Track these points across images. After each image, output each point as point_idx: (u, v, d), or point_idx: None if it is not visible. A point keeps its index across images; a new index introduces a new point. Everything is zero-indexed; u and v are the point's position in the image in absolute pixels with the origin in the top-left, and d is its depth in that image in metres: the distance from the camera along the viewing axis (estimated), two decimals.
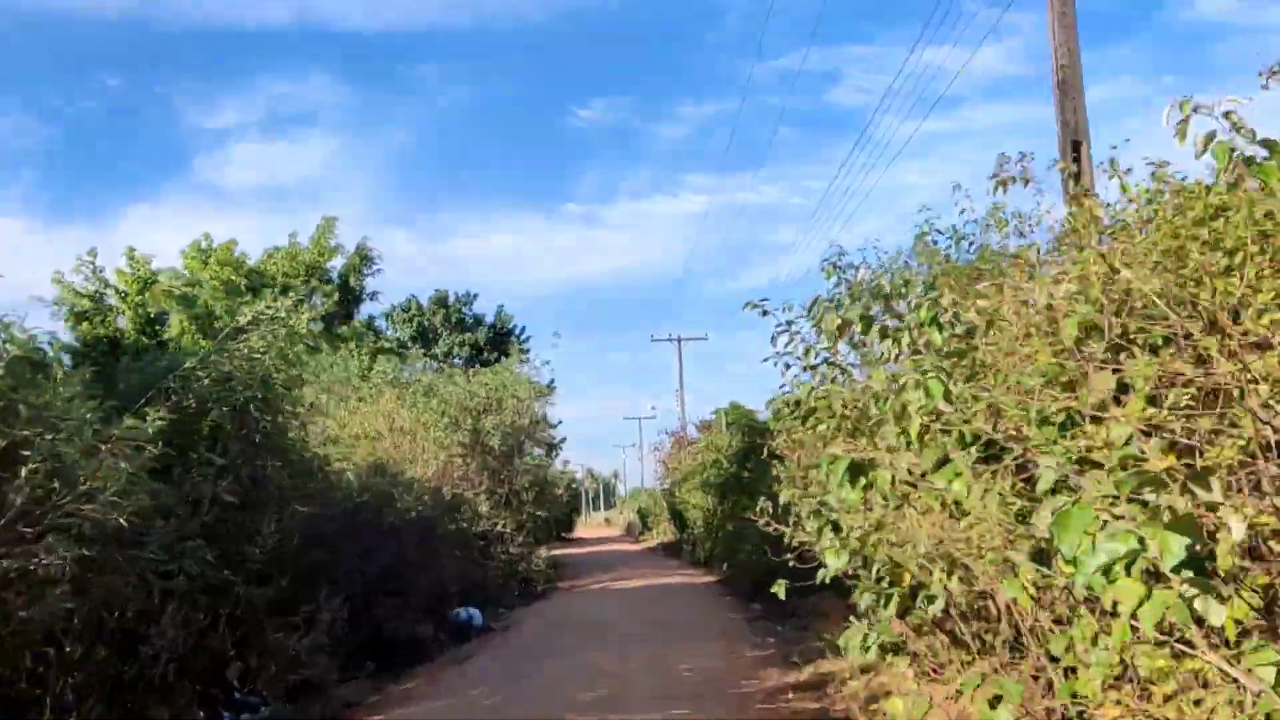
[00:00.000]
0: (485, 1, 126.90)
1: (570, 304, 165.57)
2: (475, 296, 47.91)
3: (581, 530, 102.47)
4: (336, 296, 30.00)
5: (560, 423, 49.11)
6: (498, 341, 47.94)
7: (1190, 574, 2.89)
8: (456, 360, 45.98)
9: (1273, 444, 3.39)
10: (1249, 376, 3.42)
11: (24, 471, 6.22)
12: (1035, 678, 4.78)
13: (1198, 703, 3.53)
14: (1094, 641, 3.91)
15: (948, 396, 4.26)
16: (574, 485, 67.03)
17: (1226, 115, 3.80)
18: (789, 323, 7.34)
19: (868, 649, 5.81)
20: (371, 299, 31.53)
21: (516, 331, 48.95)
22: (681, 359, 49.43)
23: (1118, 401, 3.75)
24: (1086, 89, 9.04)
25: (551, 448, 50.38)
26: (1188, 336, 3.86)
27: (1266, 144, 3.89)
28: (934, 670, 5.86)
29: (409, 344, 45.50)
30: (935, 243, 7.38)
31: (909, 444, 4.58)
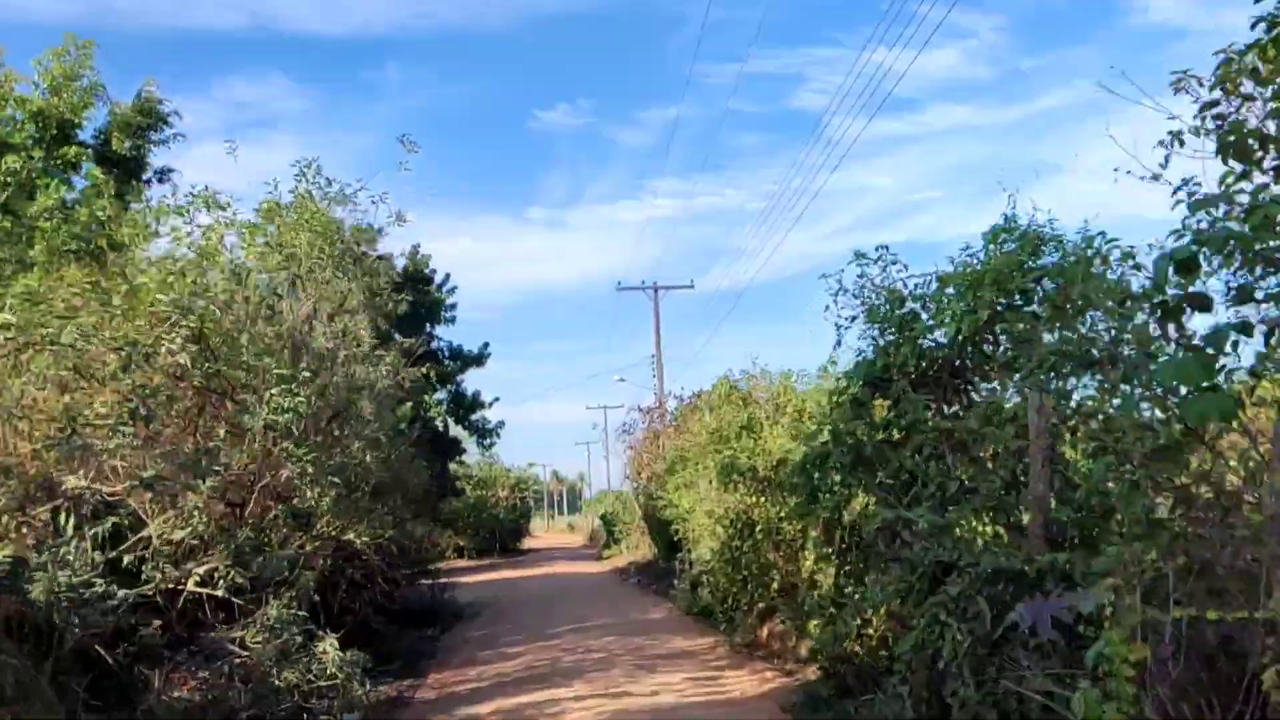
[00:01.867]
0: (446, 7, 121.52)
1: (536, 309, 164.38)
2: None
3: (542, 537, 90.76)
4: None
5: (497, 402, 36.80)
6: (412, 286, 35.41)
7: None
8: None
9: None
10: None
11: None
12: None
13: None
14: None
15: None
16: (526, 486, 54.34)
17: None
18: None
19: None
20: (162, 179, 18.96)
21: (433, 275, 36.48)
22: (659, 313, 37.28)
23: None
24: None
25: (483, 433, 38.13)
26: None
27: None
28: None
29: None
30: None
31: None
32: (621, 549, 37.05)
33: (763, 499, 11.48)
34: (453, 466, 40.55)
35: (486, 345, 37.40)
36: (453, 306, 37.04)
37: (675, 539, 21.50)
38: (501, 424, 37.56)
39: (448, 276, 37.10)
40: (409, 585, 18.05)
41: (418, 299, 34.95)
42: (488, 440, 37.09)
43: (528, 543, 74.15)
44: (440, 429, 36.30)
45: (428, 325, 36.82)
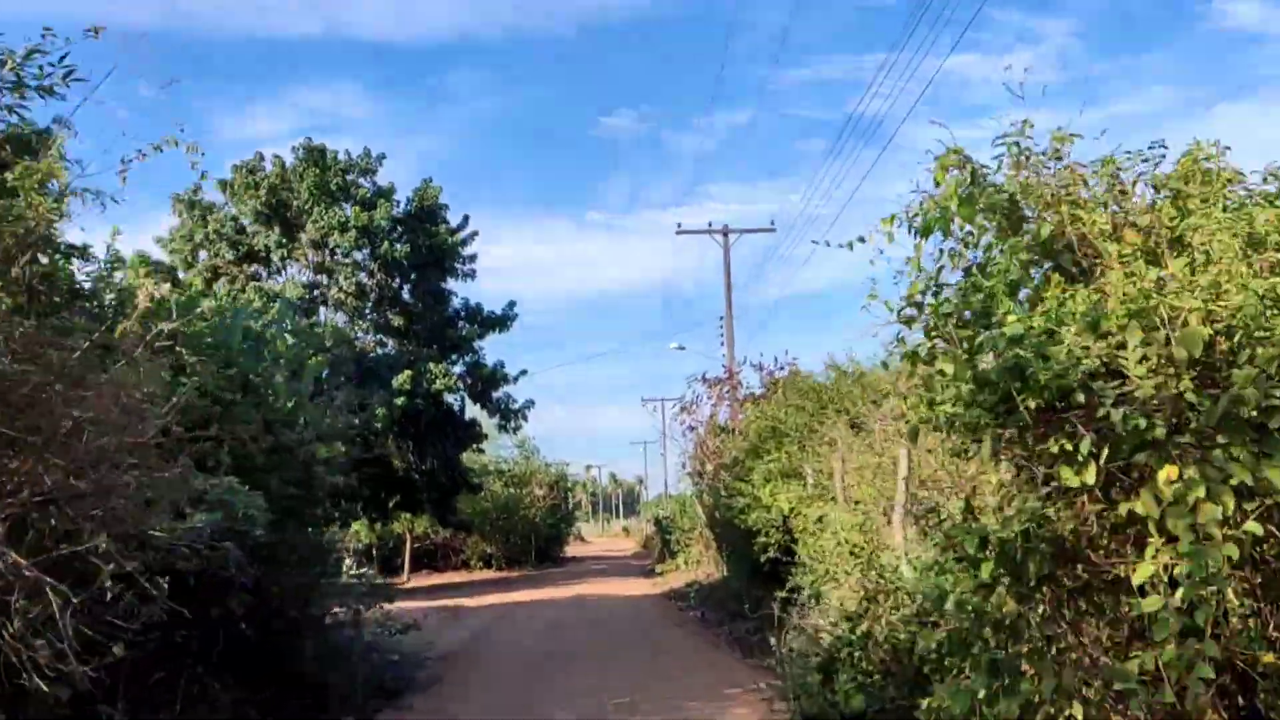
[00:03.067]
0: (515, 13, 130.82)
1: (594, 313, 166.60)
2: (382, 159, 28.02)
3: (594, 542, 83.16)
4: None
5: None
6: (417, 224, 28.06)
7: None
8: (340, 252, 26.13)
9: None
10: None
11: None
12: None
13: None
14: None
15: None
16: (564, 483, 46.65)
17: None
18: None
19: None
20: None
21: (447, 215, 28.95)
22: (729, 263, 29.28)
23: None
24: None
25: (506, 414, 30.61)
26: None
27: None
28: None
29: (257, 218, 25.72)
30: None
31: None
32: (679, 563, 29.16)
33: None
34: (470, 457, 33.11)
35: (513, 305, 29.94)
36: (472, 258, 29.68)
37: (761, 557, 13.63)
38: (529, 404, 29.91)
39: (466, 220, 29.65)
40: (312, 624, 10.53)
41: (423, 241, 27.57)
42: (512, 423, 29.46)
43: (574, 549, 66.63)
44: (453, 408, 28.85)
45: (444, 280, 29.46)
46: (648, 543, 57.05)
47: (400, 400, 25.73)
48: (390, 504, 29.75)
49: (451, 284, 29.66)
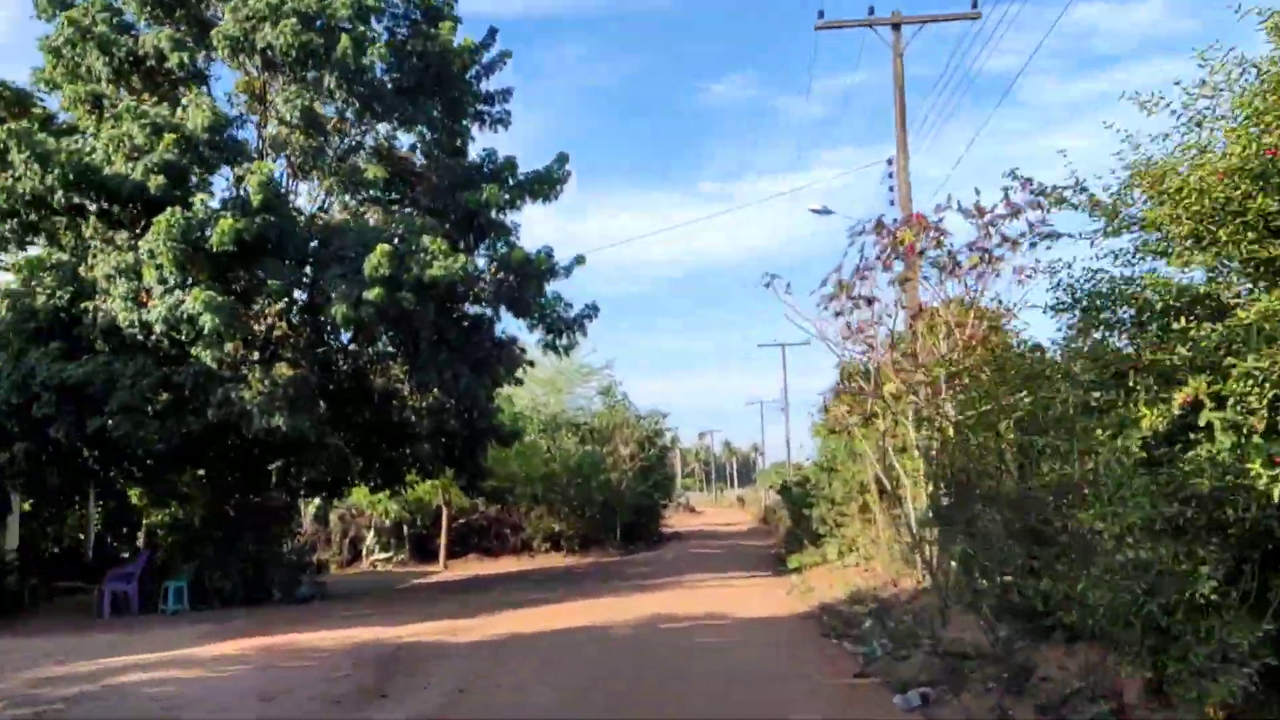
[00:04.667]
0: None
1: (701, 281, 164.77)
2: None
3: (705, 513, 73.15)
4: None
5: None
6: (410, 25, 18.08)
7: None
8: (278, 58, 16.33)
9: None
10: None
11: None
12: None
13: None
14: None
15: None
16: (659, 437, 36.16)
17: None
18: None
19: None
20: None
21: (456, 15, 18.71)
22: (901, 67, 18.15)
23: None
24: None
25: (554, 326, 20.24)
26: None
27: None
28: None
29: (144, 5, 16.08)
30: None
31: None
32: (826, 555, 18.48)
33: None
34: (507, 393, 23.14)
35: (565, 161, 19.57)
36: (502, 96, 19.69)
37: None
38: (590, 312, 19.64)
39: (493, 35, 19.42)
40: None
41: (417, 47, 17.50)
42: (563, 340, 19.25)
43: (679, 520, 56.53)
44: (469, 317, 18.93)
45: (453, 118, 19.47)
46: (767, 516, 46.51)
47: (374, 293, 15.87)
48: (403, 465, 20.06)
49: (471, 132, 19.60)
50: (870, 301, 12.74)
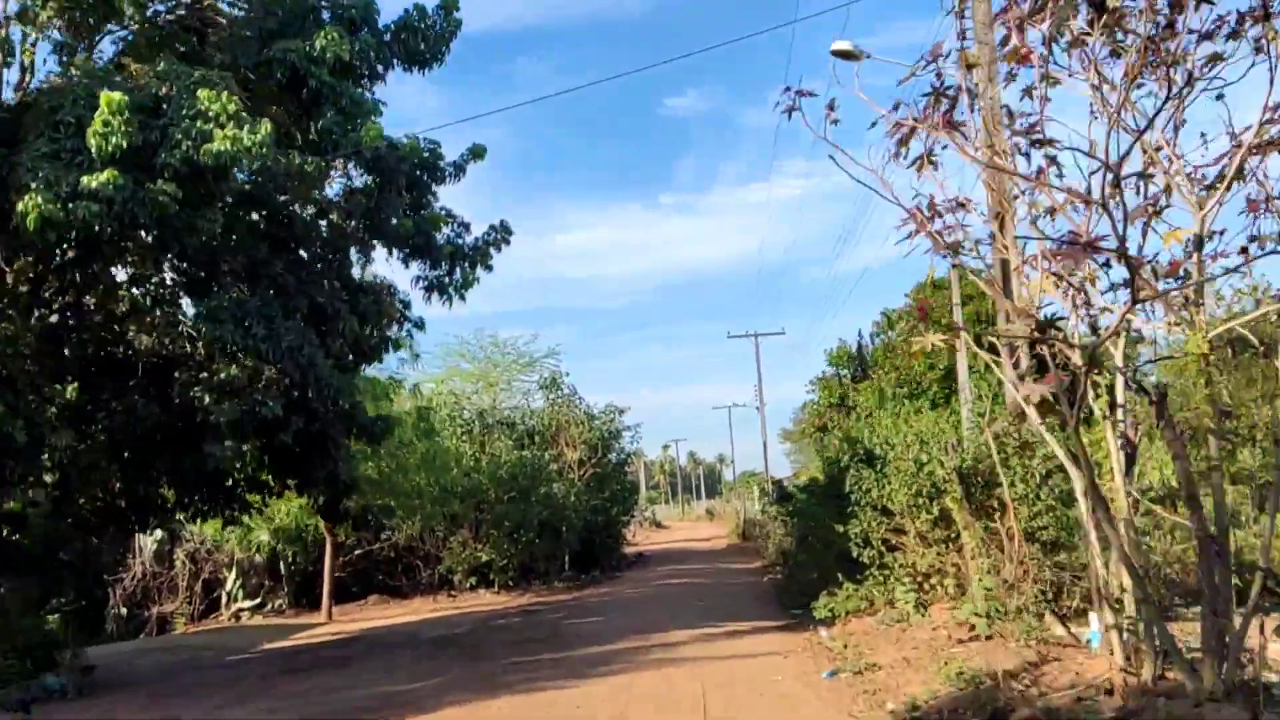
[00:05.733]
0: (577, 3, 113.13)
1: (672, 294, 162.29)
2: None
3: (673, 527, 66.45)
4: None
5: None
6: None
7: None
8: None
9: None
10: None
11: None
12: None
13: None
14: None
15: None
16: (617, 438, 29.15)
17: None
18: None
19: None
20: None
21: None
22: None
23: None
24: None
25: (435, 257, 13.14)
26: None
27: None
28: None
29: None
30: None
31: None
32: (875, 598, 11.67)
33: None
34: (372, 373, 16.41)
35: (454, 5, 12.68)
36: None
37: None
38: (502, 234, 12.80)
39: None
40: None
41: None
42: (452, 280, 12.42)
43: (646, 538, 49.73)
44: (311, 240, 11.95)
45: None
46: (747, 531, 39.75)
47: (103, 178, 9.05)
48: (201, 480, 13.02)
49: None
50: (1012, 116, 6.26)
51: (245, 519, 15.76)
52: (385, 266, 14.37)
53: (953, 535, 10.67)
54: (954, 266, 7.44)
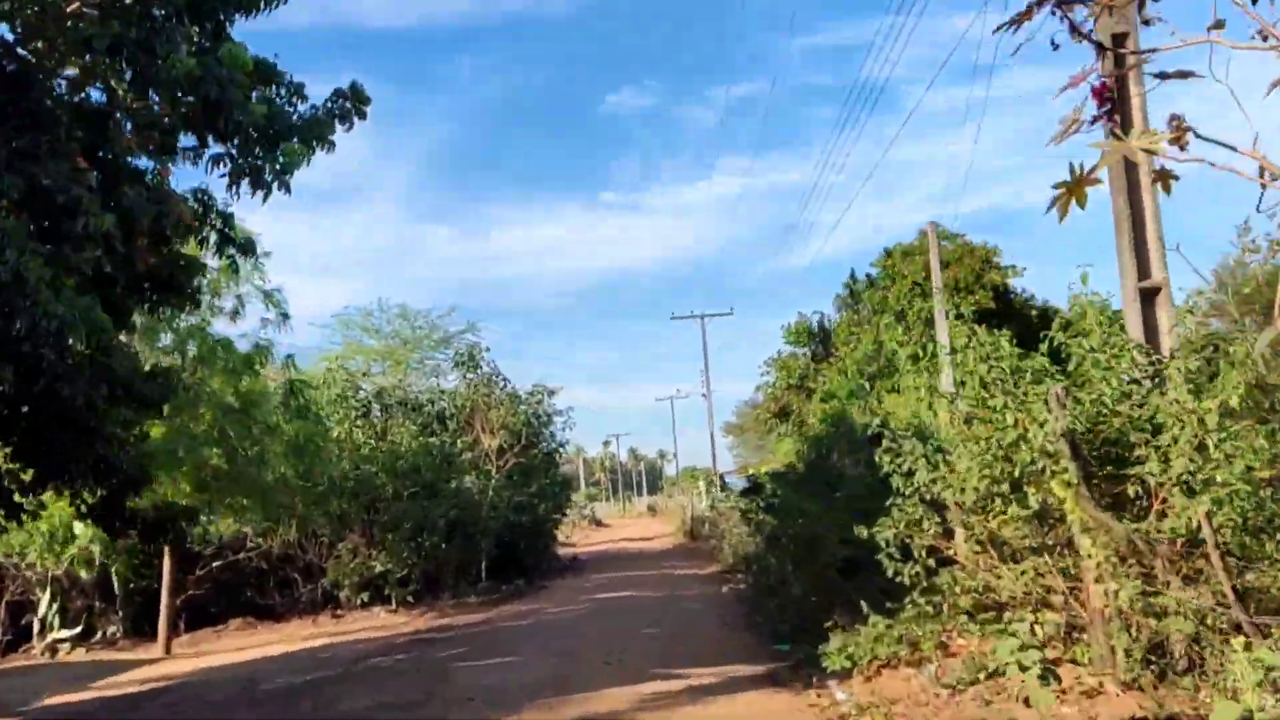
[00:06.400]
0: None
1: (613, 292, 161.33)
2: None
3: (614, 525, 61.98)
4: None
5: None
6: None
7: None
8: None
9: None
10: None
11: None
12: None
13: None
14: None
15: None
16: (546, 424, 24.79)
17: None
18: None
19: None
20: None
21: None
22: None
23: None
24: None
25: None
26: None
27: None
28: None
29: None
30: None
31: None
32: (924, 642, 7.66)
33: None
34: (141, 321, 11.93)
35: None
36: None
37: None
38: (356, 101, 8.31)
39: None
40: None
41: None
42: (272, 166, 7.99)
43: (583, 539, 45.18)
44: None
45: None
46: (695, 530, 35.67)
47: None
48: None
49: None
50: None
51: (13, 525, 11.15)
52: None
53: (1050, 543, 6.67)
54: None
